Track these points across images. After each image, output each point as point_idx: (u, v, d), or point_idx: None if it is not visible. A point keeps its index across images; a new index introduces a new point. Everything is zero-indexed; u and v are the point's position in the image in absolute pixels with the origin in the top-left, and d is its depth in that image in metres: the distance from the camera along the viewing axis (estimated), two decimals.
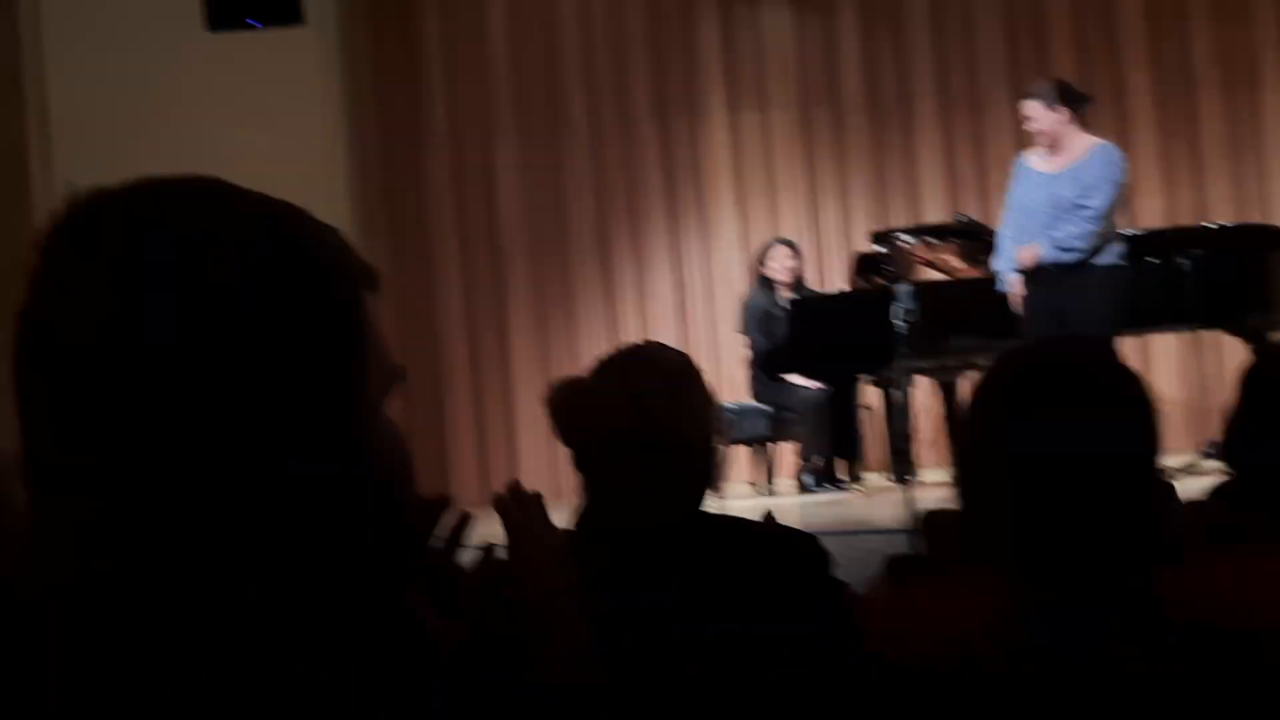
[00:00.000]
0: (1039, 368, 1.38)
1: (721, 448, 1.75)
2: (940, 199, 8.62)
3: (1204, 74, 8.55)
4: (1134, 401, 1.36)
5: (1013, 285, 5.61)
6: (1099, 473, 1.35)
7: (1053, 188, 5.54)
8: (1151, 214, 8.49)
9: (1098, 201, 5.43)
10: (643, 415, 1.65)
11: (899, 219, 8.57)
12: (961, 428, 1.47)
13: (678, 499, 1.66)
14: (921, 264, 7.03)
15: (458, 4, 8.75)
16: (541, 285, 8.65)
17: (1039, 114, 5.67)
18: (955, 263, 6.91)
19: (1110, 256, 5.46)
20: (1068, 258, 5.42)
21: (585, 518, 1.70)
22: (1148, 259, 6.23)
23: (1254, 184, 8.39)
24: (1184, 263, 6.06)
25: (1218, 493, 2.48)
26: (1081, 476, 1.34)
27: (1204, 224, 7.84)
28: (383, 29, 8.75)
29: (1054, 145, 5.64)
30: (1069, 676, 1.29)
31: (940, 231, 6.73)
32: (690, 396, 1.71)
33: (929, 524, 2.71)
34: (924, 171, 8.69)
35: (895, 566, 2.58)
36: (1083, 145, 5.58)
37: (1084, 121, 5.69)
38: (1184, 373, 8.24)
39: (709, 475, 1.69)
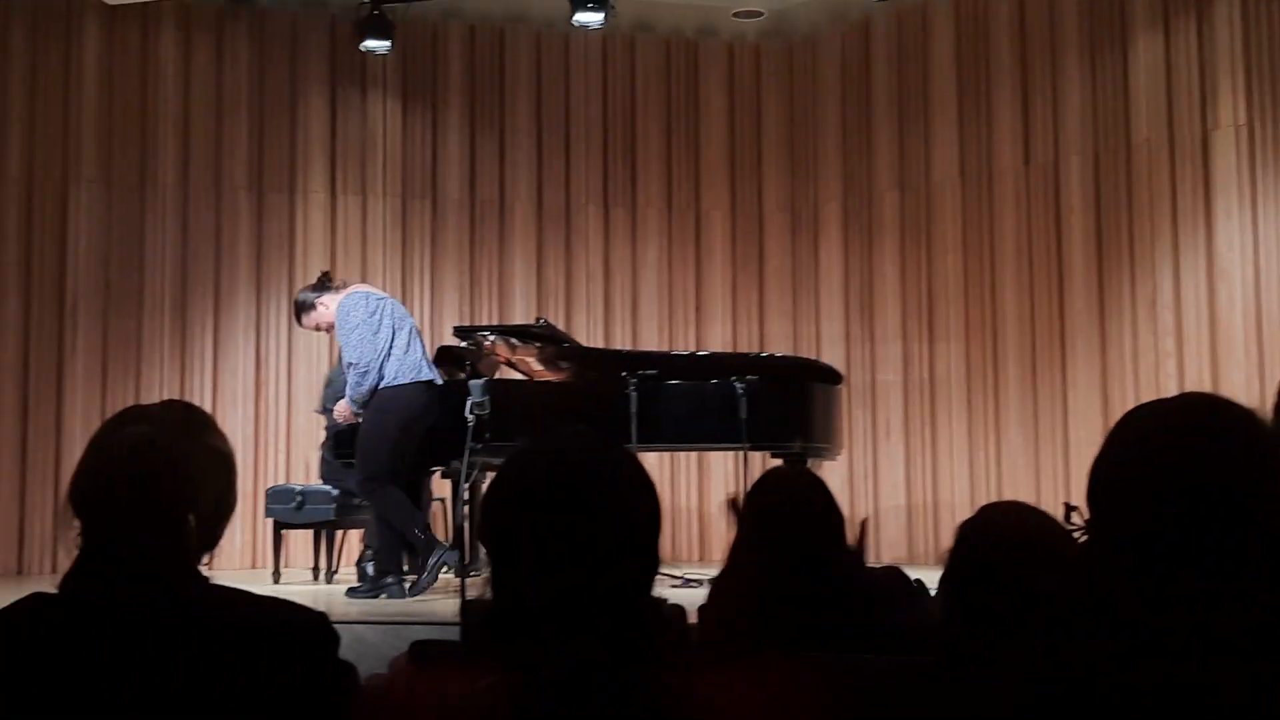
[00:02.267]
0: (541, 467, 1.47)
1: (229, 511, 1.73)
2: (528, 302, 8.92)
3: (772, 216, 9.34)
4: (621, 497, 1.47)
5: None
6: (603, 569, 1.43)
7: None
8: (715, 339, 9.14)
9: (348, 353, 5.95)
10: (166, 472, 1.61)
11: (486, 317, 8.79)
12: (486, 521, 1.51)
13: (181, 564, 1.62)
14: (503, 362, 7.21)
15: (48, 41, 8.29)
16: (109, 343, 8.21)
17: (310, 321, 6.26)
18: (534, 365, 7.13)
19: (394, 378, 5.93)
20: (357, 406, 6.01)
21: (78, 580, 1.59)
22: (711, 380, 6.70)
23: (808, 324, 9.19)
24: (739, 386, 6.50)
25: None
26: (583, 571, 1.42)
27: (762, 353, 8.55)
28: None
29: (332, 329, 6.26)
30: None
31: (521, 333, 6.93)
32: (207, 453, 1.68)
33: (465, 611, 2.77)
34: (514, 274, 8.97)
35: (418, 651, 2.64)
36: None
37: (342, 285, 6.26)
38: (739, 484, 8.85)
39: (214, 542, 1.66)
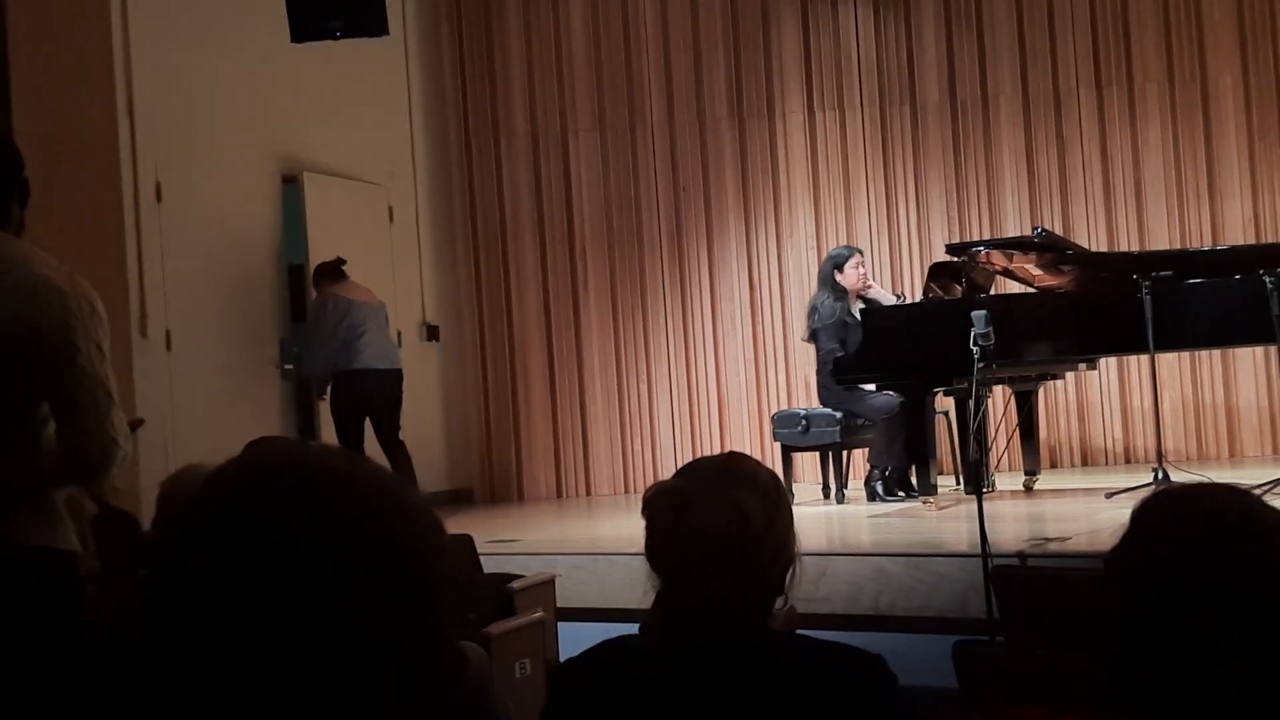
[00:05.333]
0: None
1: (796, 565, 1.76)
2: (1020, 199, 8.54)
3: None
4: None
5: None
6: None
7: None
8: (1234, 219, 8.35)
9: None
10: (746, 528, 1.66)
11: (976, 220, 8.51)
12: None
13: (758, 615, 1.68)
14: (998, 271, 6.97)
15: (538, 5, 8.79)
16: (615, 281, 8.71)
17: None
18: (1034, 271, 6.84)
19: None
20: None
21: (660, 629, 1.70)
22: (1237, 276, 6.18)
23: None
24: (1269, 281, 5.96)
25: None
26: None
27: None
28: (464, 29, 8.83)
29: None
30: None
31: (1019, 244, 6.67)
32: (781, 512, 1.73)
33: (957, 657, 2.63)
34: (1003, 171, 8.61)
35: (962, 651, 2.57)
36: None
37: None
38: (1269, 380, 8.15)
39: (782, 592, 1.71)
